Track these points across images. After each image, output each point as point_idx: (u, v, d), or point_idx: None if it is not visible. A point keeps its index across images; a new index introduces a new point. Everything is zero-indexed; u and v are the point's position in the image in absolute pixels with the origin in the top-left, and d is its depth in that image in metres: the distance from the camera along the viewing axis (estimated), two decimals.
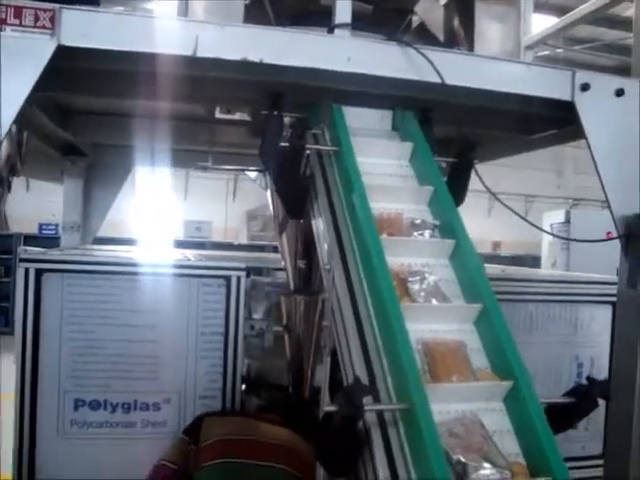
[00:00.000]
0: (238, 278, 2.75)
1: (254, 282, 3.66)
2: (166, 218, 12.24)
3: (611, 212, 2.38)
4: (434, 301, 1.65)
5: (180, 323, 2.74)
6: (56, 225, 9.87)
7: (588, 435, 3.37)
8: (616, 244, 2.45)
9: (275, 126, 2.21)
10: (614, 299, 2.70)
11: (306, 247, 2.80)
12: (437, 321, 1.63)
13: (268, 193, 3.29)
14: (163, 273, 2.75)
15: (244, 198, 14.41)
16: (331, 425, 1.37)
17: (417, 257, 1.78)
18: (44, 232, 11.41)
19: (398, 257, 1.75)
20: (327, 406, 1.36)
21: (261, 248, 9.64)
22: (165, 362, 2.74)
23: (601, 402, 2.61)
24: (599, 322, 3.29)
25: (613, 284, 2.65)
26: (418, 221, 1.86)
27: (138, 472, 2.55)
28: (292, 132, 2.16)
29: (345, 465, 1.48)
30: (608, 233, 2.79)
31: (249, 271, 3.36)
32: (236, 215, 15.07)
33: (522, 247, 13.52)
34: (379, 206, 1.88)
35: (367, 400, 1.37)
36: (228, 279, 2.74)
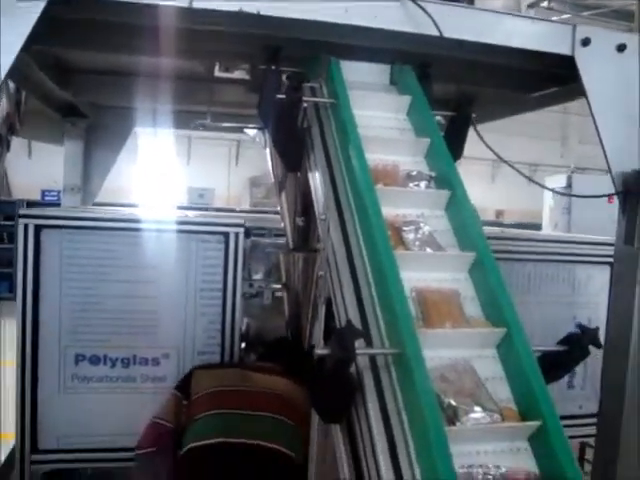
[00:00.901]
0: (236, 234, 2.76)
1: (254, 243, 3.67)
2: (169, 184, 12.26)
3: (609, 169, 2.37)
4: (428, 250, 1.66)
5: (179, 279, 2.77)
6: (58, 192, 9.86)
7: (585, 394, 3.40)
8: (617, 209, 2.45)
9: (273, 81, 2.21)
10: (612, 260, 2.70)
11: (304, 204, 2.79)
12: (431, 269, 1.63)
13: (267, 153, 3.29)
14: (162, 229, 2.76)
15: (247, 165, 14.36)
16: (324, 369, 1.38)
17: (412, 208, 1.78)
18: (46, 198, 11.46)
19: (393, 207, 1.75)
20: (320, 350, 1.37)
21: (263, 214, 9.63)
22: (164, 318, 2.77)
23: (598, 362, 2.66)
24: (597, 283, 3.30)
25: (611, 245, 2.65)
26: (414, 172, 1.86)
27: (138, 426, 2.58)
28: (289, 84, 2.14)
29: (338, 410, 1.50)
30: (610, 197, 2.77)
31: (249, 231, 3.37)
32: (239, 182, 15.04)
33: (525, 215, 13.48)
34: (375, 157, 1.88)
35: (359, 344, 1.39)
36: (226, 235, 2.76)
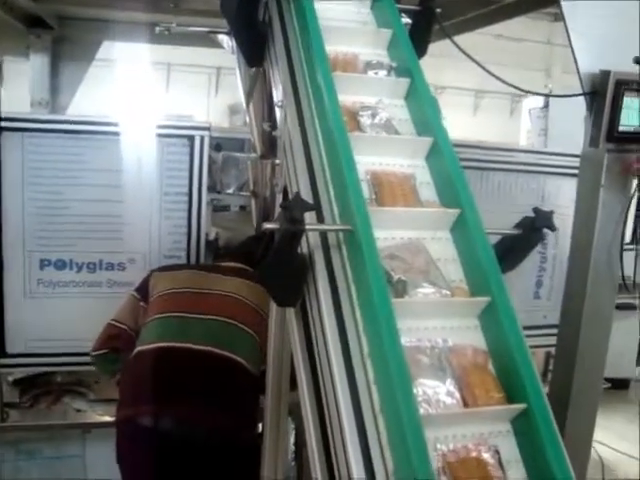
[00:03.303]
0: (202, 138, 2.73)
1: (225, 157, 3.64)
2: (147, 111, 12.07)
3: (577, 69, 2.35)
4: (384, 134, 1.64)
5: (144, 183, 2.74)
6: None
7: (550, 305, 3.46)
8: None
9: None
10: None
11: (270, 109, 2.76)
12: (387, 153, 1.61)
13: (235, 60, 3.23)
14: (127, 133, 2.72)
15: (226, 93, 14.16)
16: (274, 244, 1.37)
17: (370, 95, 1.74)
18: None
19: (351, 94, 1.71)
20: (268, 224, 1.36)
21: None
22: (129, 222, 2.76)
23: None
24: (566, 194, 3.31)
25: None
26: (374, 61, 1.82)
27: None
28: None
29: (291, 290, 1.50)
30: None
31: (220, 145, 3.34)
32: (218, 110, 14.84)
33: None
34: (335, 48, 1.83)
35: (310, 219, 1.38)
36: (192, 139, 2.72)
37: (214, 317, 2.41)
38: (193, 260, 2.81)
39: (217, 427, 2.27)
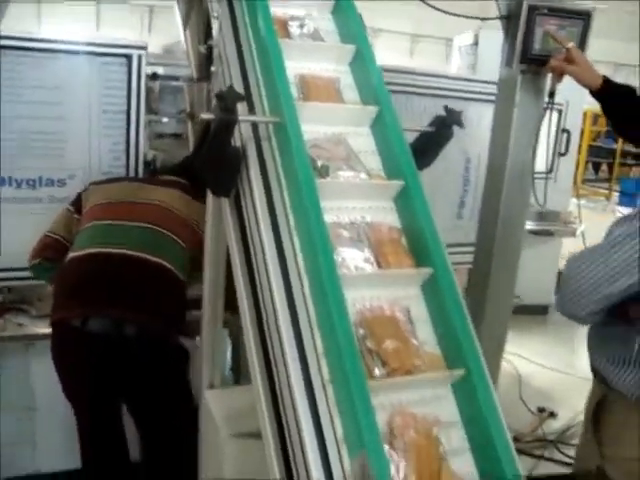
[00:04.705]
0: (139, 57, 2.80)
1: (163, 86, 3.71)
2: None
3: None
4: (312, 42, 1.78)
5: (83, 101, 2.81)
6: None
7: (471, 225, 3.66)
8: None
9: None
10: None
11: (207, 30, 2.84)
12: (314, 59, 1.74)
13: None
14: (66, 50, 2.77)
15: (160, 33, 13.91)
16: (210, 133, 1.51)
17: (300, 8, 1.86)
18: None
19: (281, 7, 1.83)
20: (204, 114, 1.49)
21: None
22: (69, 139, 2.82)
23: None
24: (488, 121, 3.50)
25: None
26: None
27: None
28: None
29: (226, 179, 1.64)
30: None
31: (156, 75, 3.40)
32: (152, 50, 14.58)
33: None
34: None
35: (242, 110, 1.51)
36: (129, 58, 2.79)
37: (146, 225, 2.49)
38: (132, 175, 2.90)
39: (146, 328, 2.34)
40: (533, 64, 2.53)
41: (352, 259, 1.41)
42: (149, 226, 2.48)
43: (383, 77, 1.71)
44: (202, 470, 2.23)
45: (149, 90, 3.49)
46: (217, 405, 2.12)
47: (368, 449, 1.12)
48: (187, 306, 2.51)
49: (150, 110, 3.30)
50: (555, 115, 4.47)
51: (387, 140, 1.63)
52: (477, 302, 2.92)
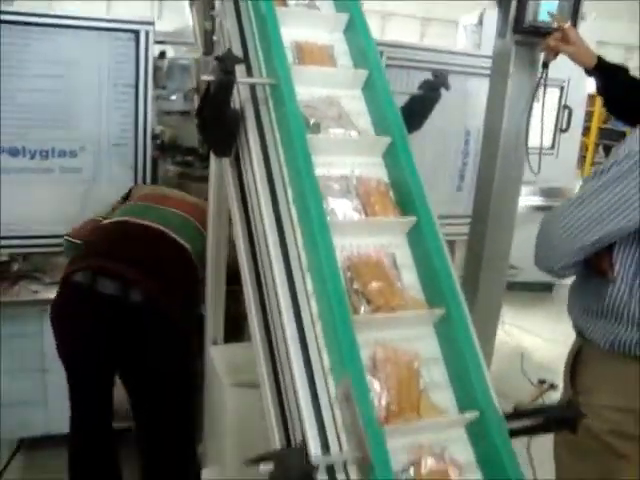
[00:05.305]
0: (147, 32, 2.90)
1: (171, 63, 3.81)
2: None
3: None
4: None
5: (93, 75, 2.92)
6: None
7: (470, 197, 3.73)
8: None
9: None
10: None
11: (212, 6, 2.93)
12: (309, 26, 1.84)
13: None
14: (77, 26, 2.88)
15: (170, 17, 14.01)
16: (210, 95, 1.61)
17: None
18: None
19: None
20: (205, 76, 1.60)
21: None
22: (79, 111, 2.94)
23: None
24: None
25: None
26: None
27: (58, 215, 2.89)
28: None
29: (226, 139, 1.74)
30: None
31: (164, 53, 3.50)
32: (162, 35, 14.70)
33: None
34: None
35: (241, 74, 1.62)
36: (137, 33, 2.89)
37: (176, 210, 2.68)
38: (140, 148, 3.01)
39: (153, 297, 2.38)
40: (526, 35, 2.61)
41: (341, 209, 1.51)
42: (179, 212, 2.65)
43: (375, 45, 1.81)
44: (206, 417, 2.35)
45: (157, 68, 3.60)
46: (220, 359, 2.24)
47: (351, 375, 1.22)
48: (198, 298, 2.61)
49: (158, 86, 3.40)
50: (557, 91, 4.54)
51: (377, 101, 1.72)
52: (473, 271, 3.02)
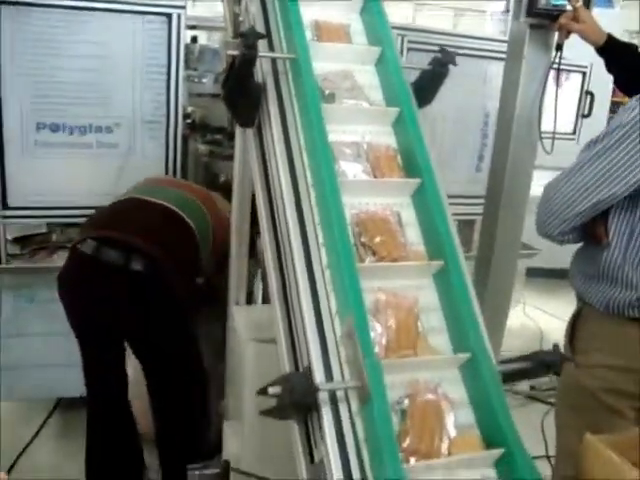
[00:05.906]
0: (179, 15, 3.07)
1: (202, 48, 3.98)
2: None
3: None
4: None
5: (127, 56, 3.09)
6: None
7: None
8: None
9: None
10: None
11: None
12: (327, 6, 1.98)
13: None
14: (113, 9, 3.05)
15: (203, 5, 14.19)
16: (234, 68, 1.76)
17: None
18: None
19: None
20: (230, 50, 1.75)
21: None
22: (114, 90, 3.12)
23: None
24: None
25: None
26: None
27: (95, 187, 3.13)
28: None
29: (249, 109, 1.89)
30: None
31: (196, 38, 3.66)
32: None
33: None
34: None
35: (263, 49, 1.77)
36: (169, 16, 3.06)
37: (183, 191, 2.84)
38: (172, 126, 3.19)
39: (155, 266, 2.45)
40: (540, 17, 2.70)
41: (352, 171, 1.66)
42: (185, 192, 2.81)
43: (389, 25, 1.94)
44: (227, 374, 2.52)
45: (189, 51, 3.77)
46: (240, 318, 2.41)
47: (354, 314, 1.36)
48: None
49: (189, 67, 3.57)
50: (579, 77, 4.61)
51: (388, 76, 1.86)
52: (486, 251, 3.12)
